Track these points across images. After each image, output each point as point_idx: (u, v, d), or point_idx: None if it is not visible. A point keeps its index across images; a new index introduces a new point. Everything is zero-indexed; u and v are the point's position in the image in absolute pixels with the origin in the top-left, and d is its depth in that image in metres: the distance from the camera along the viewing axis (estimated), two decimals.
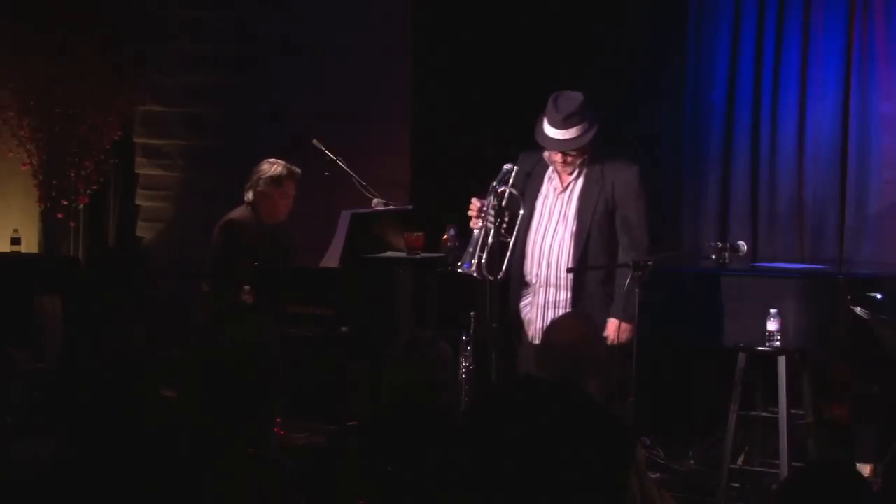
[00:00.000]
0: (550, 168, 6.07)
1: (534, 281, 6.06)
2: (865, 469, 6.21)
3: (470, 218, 5.89)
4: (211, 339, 3.70)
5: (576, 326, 4.76)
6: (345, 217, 6.98)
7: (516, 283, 6.07)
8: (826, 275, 6.54)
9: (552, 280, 6.01)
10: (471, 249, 5.84)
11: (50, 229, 9.09)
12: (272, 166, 7.05)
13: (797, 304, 6.11)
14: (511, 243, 5.95)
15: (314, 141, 7.34)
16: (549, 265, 6.01)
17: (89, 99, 8.96)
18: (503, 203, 5.88)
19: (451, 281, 5.98)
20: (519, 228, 6.00)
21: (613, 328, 5.88)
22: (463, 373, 5.86)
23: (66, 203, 9.00)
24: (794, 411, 6.17)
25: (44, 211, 9.07)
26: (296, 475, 3.36)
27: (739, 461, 6.46)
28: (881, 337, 5.99)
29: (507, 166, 5.98)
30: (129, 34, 9.06)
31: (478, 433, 2.36)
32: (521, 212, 6.01)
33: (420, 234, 6.85)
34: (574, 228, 6.00)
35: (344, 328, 6.74)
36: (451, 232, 6.30)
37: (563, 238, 6.01)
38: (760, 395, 6.38)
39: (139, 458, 3.18)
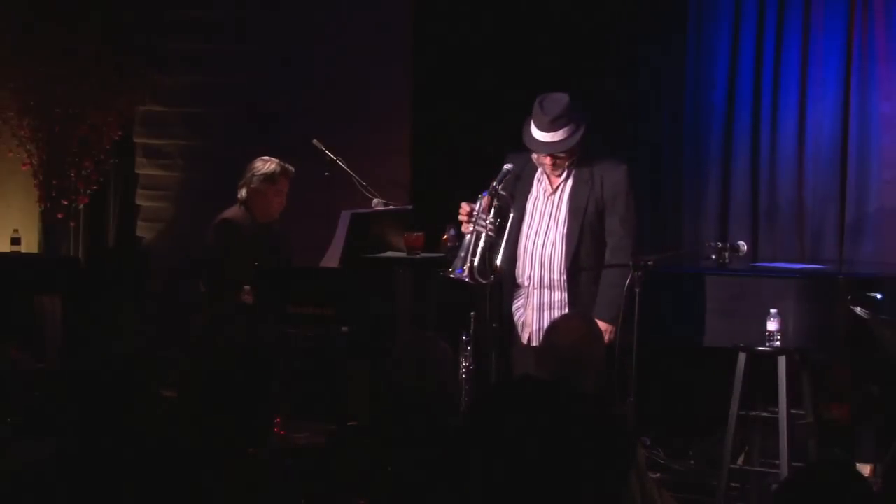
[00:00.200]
0: (539, 170, 6.06)
1: (526, 283, 6.04)
2: (865, 469, 6.21)
3: (454, 221, 5.89)
4: (210, 339, 3.70)
5: (578, 327, 4.76)
6: (345, 217, 6.98)
7: (507, 287, 6.06)
8: (826, 275, 6.54)
9: (546, 282, 6.00)
10: (462, 254, 5.83)
11: (50, 229, 9.09)
12: (265, 164, 7.04)
13: (797, 304, 6.10)
14: (502, 246, 5.94)
15: (314, 141, 7.34)
16: (542, 267, 6.00)
17: (89, 99, 8.96)
18: (495, 203, 5.89)
19: (451, 281, 5.98)
20: (509, 231, 6.00)
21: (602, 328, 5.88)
22: (463, 373, 5.86)
23: (66, 203, 9.01)
24: (794, 411, 6.17)
25: (44, 211, 9.07)
26: (296, 475, 3.36)
27: (739, 461, 6.46)
28: (881, 337, 5.99)
29: (507, 166, 5.98)
30: (130, 34, 9.06)
31: (478, 433, 2.36)
32: (512, 214, 6.00)
33: (420, 234, 6.85)
34: (565, 230, 5.99)
35: (344, 328, 6.74)
36: (451, 232, 6.30)
37: (554, 240, 6.00)
38: (760, 395, 6.38)
39: (139, 458, 3.18)
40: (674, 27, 7.66)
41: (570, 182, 6.03)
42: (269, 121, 8.74)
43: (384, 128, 8.60)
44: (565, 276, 5.96)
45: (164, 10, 9.18)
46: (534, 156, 6.02)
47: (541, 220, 6.04)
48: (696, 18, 7.62)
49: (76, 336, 7.87)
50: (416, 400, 3.92)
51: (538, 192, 6.07)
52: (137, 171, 9.37)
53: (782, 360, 6.06)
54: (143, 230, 9.38)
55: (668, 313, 6.37)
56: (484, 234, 5.84)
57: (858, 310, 5.98)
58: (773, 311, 6.02)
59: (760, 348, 6.08)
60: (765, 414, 6.33)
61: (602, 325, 5.79)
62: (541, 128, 5.91)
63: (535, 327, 5.99)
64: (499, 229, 5.94)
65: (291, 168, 7.05)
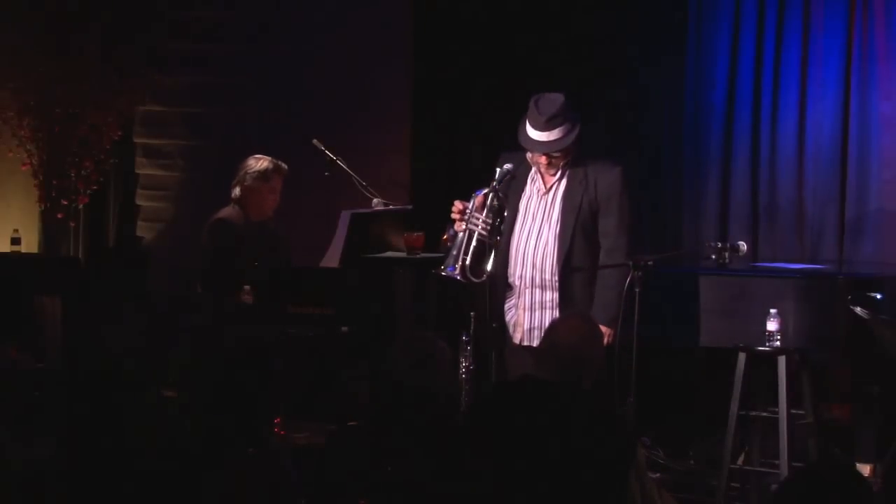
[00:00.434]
0: (533, 169, 6.05)
1: (518, 283, 6.03)
2: (865, 469, 6.21)
3: (453, 221, 5.89)
4: (210, 339, 3.71)
5: (579, 327, 4.77)
6: (345, 217, 6.99)
7: (500, 286, 6.06)
8: (826, 275, 6.54)
9: (538, 281, 5.99)
10: (454, 252, 5.83)
11: (50, 229, 9.09)
12: (258, 161, 7.03)
13: (797, 304, 6.10)
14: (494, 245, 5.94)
15: (314, 141, 7.34)
16: (534, 267, 5.99)
17: (89, 99, 8.96)
18: (495, 203, 5.89)
19: (451, 281, 5.98)
20: (503, 230, 5.99)
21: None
22: (463, 373, 5.85)
23: (65, 203, 9.00)
24: (794, 411, 6.17)
25: (44, 211, 9.07)
26: (296, 475, 3.37)
27: (739, 461, 6.45)
28: (881, 337, 5.99)
29: (507, 166, 5.98)
30: (130, 34, 9.06)
31: (478, 433, 2.36)
32: (505, 213, 6.00)
33: (420, 234, 6.85)
34: (558, 229, 5.98)
35: (344, 328, 6.74)
36: (451, 232, 6.29)
37: (547, 239, 5.99)
38: (760, 395, 6.37)
39: (138, 457, 3.18)
40: (674, 27, 7.65)
41: (563, 182, 6.02)
42: (268, 121, 8.74)
43: (384, 128, 8.60)
44: (557, 276, 5.95)
45: (164, 10, 9.18)
46: (528, 155, 6.01)
47: (534, 220, 6.04)
48: (696, 18, 7.62)
49: (76, 336, 7.86)
50: (416, 400, 3.92)
51: (532, 191, 6.06)
52: (137, 171, 9.37)
53: (782, 361, 6.05)
54: (143, 230, 9.38)
55: (668, 313, 6.37)
56: (477, 233, 5.84)
57: (858, 310, 5.98)
58: (772, 311, 6.02)
59: (760, 348, 6.08)
60: (765, 414, 6.33)
61: (601, 327, 5.79)
62: (536, 127, 5.90)
63: (526, 327, 5.99)
64: (495, 230, 5.93)
65: (285, 165, 7.05)
